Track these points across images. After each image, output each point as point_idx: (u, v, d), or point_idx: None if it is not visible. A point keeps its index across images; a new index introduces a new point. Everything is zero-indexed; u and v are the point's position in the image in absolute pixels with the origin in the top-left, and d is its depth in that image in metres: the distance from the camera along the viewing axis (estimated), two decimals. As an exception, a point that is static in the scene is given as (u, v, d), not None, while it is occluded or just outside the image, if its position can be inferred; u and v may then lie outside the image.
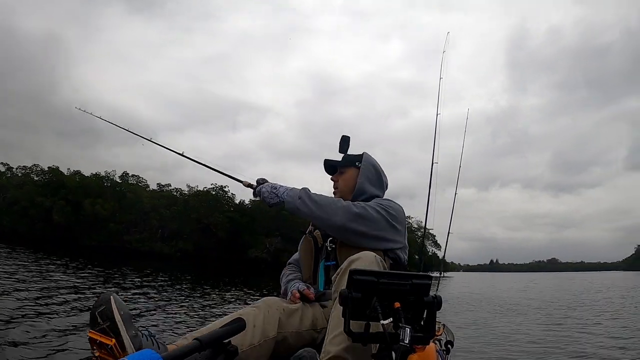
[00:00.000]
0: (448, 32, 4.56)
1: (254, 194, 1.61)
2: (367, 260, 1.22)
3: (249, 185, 1.65)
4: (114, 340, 0.88)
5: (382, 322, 0.85)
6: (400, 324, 0.84)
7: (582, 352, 4.83)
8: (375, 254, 1.27)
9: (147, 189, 44.53)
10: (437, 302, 0.92)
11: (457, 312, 9.51)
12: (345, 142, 1.75)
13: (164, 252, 35.33)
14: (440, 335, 2.16)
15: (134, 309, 5.86)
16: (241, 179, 1.71)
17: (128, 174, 44.51)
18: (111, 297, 0.93)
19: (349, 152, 1.76)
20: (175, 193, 44.37)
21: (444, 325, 2.41)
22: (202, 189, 42.83)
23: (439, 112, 3.88)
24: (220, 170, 1.81)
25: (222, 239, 38.07)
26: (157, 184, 45.88)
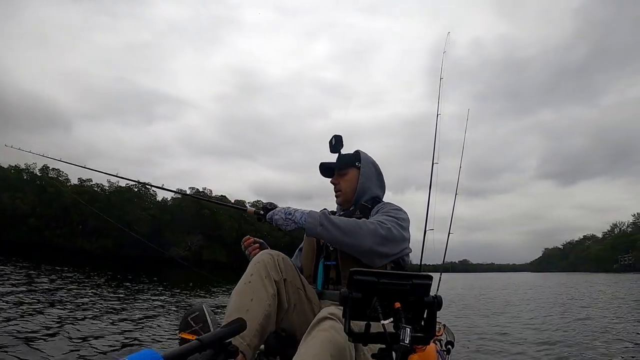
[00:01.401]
0: (449, 33, 4.56)
1: (265, 221, 1.54)
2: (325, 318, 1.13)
3: (257, 213, 1.57)
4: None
5: (382, 322, 0.85)
6: (400, 324, 0.84)
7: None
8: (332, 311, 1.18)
9: (68, 184, 42.99)
10: (437, 302, 0.92)
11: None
12: (338, 141, 1.70)
13: (85, 249, 34.51)
14: (441, 335, 2.16)
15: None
16: (246, 208, 1.65)
17: (48, 167, 42.91)
18: (203, 305, 1.12)
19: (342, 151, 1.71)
20: (96, 189, 43.07)
21: (444, 325, 2.41)
22: (123, 185, 41.98)
23: (439, 113, 3.88)
24: (225, 203, 1.76)
25: (143, 237, 37.64)
26: (79, 178, 44.49)
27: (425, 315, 0.93)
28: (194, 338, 0.93)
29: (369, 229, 1.37)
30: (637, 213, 78.36)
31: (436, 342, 1.77)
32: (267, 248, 1.63)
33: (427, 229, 3.68)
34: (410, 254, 1.60)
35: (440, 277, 4.11)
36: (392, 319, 0.86)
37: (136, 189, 41.18)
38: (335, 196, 1.73)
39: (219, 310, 5.00)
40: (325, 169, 1.74)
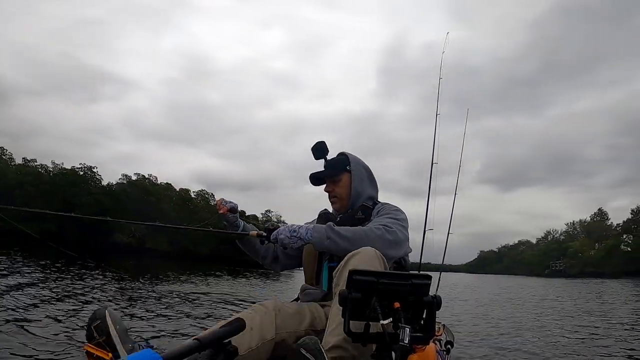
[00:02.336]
0: (448, 32, 4.56)
1: (269, 242, 1.52)
2: (366, 255, 1.22)
3: (260, 236, 1.54)
4: (110, 354, 0.89)
5: (381, 322, 0.85)
6: (400, 324, 0.85)
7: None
8: (375, 249, 1.26)
9: (13, 164, 41.03)
10: (436, 302, 0.92)
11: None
12: (322, 148, 1.68)
13: (26, 233, 33.83)
14: (440, 335, 2.16)
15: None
16: (248, 232, 1.61)
17: (-11, 145, 40.00)
18: (106, 311, 0.94)
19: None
20: (40, 169, 40.92)
21: (444, 325, 2.40)
22: (68, 167, 40.48)
23: (438, 112, 3.89)
24: (228, 231, 1.66)
25: (88, 222, 35.12)
26: (23, 158, 41.96)
27: (424, 315, 0.93)
28: (100, 352, 0.89)
29: (376, 235, 1.36)
30: (571, 222, 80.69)
31: (436, 342, 1.77)
32: (237, 209, 1.63)
33: (426, 228, 3.68)
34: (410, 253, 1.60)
35: (440, 277, 4.11)
36: (391, 319, 0.87)
37: (82, 172, 40.04)
38: (332, 202, 1.70)
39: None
40: (316, 179, 1.71)
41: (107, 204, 37.96)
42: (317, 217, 1.77)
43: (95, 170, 41.62)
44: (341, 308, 0.92)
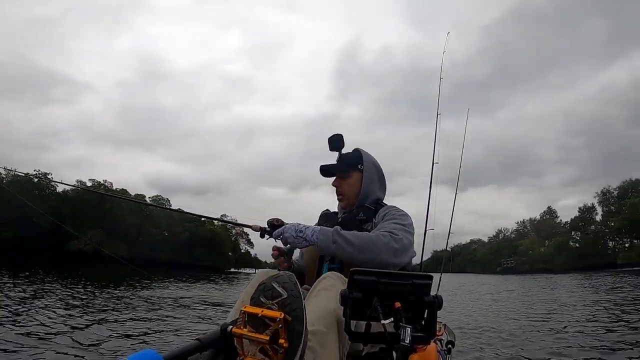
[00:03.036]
0: (448, 33, 4.55)
1: (271, 237, 1.50)
2: (331, 281, 1.18)
3: (262, 229, 1.53)
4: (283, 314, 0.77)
5: (382, 321, 0.85)
6: (401, 324, 0.84)
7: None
8: (341, 276, 1.22)
9: None
10: (437, 302, 0.92)
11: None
12: (339, 139, 1.66)
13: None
14: (442, 335, 2.15)
15: None
16: (250, 224, 1.59)
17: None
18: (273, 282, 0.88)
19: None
20: None
21: (445, 325, 2.40)
22: (22, 174, 37.90)
23: (439, 113, 3.88)
24: (229, 221, 1.67)
25: (44, 230, 34.86)
26: None
27: (425, 315, 0.93)
28: (271, 313, 0.77)
29: (382, 242, 1.34)
30: (521, 220, 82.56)
31: (437, 341, 1.77)
32: (288, 255, 1.64)
33: (427, 228, 3.67)
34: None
35: (440, 278, 4.11)
36: (392, 318, 0.86)
37: (36, 180, 38.69)
38: (338, 200, 1.68)
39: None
40: (326, 171, 1.69)
41: (62, 211, 37.15)
42: (318, 216, 1.76)
43: (50, 176, 40.26)
44: (342, 312, 0.91)
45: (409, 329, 0.83)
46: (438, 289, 3.58)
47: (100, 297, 7.96)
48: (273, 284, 0.77)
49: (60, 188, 42.26)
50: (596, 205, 59.93)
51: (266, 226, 1.52)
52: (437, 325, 1.52)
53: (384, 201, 1.71)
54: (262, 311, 0.74)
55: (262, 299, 0.76)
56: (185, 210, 4.85)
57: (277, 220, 1.51)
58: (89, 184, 43.58)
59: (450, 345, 1.84)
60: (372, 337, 0.92)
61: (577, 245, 57.85)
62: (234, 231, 61.61)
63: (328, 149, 1.69)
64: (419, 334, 0.89)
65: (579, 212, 61.60)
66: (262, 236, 1.57)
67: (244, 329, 0.75)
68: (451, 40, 4.31)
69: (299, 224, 1.44)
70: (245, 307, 0.76)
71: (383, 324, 0.85)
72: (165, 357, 0.79)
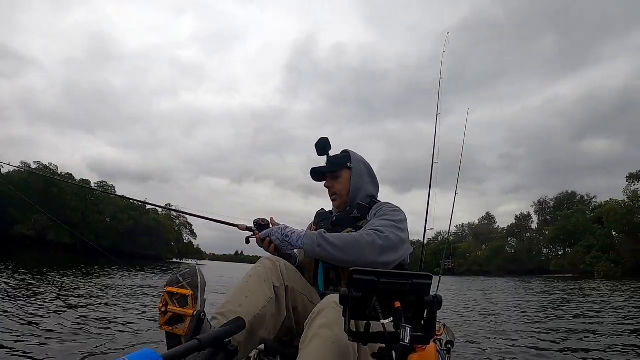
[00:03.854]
0: (448, 32, 4.56)
1: (259, 239, 1.50)
2: (328, 307, 1.14)
3: (249, 229, 1.53)
4: (191, 292, 1.02)
5: (382, 321, 0.85)
6: (400, 324, 0.84)
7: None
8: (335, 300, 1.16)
9: None
10: (437, 302, 0.91)
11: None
12: (325, 144, 1.68)
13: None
14: (441, 335, 2.16)
15: None
16: (237, 223, 1.58)
17: None
18: (197, 267, 1.08)
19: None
20: None
21: (444, 325, 2.41)
22: None
23: (438, 112, 3.88)
24: (214, 219, 1.68)
25: None
26: None
27: (425, 315, 0.92)
28: (182, 291, 1.03)
29: (366, 241, 1.33)
30: (459, 224, 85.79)
31: (436, 341, 1.77)
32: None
33: (427, 228, 3.68)
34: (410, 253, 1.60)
35: (440, 278, 4.11)
36: (392, 318, 0.86)
37: None
38: (332, 200, 1.70)
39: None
40: (317, 174, 1.71)
41: (6, 193, 34.37)
42: (314, 216, 1.77)
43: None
44: (341, 312, 0.91)
45: (409, 329, 0.82)
46: (437, 289, 3.59)
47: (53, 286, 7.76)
48: (178, 277, 1.04)
49: (4, 169, 39.43)
50: (532, 214, 63.78)
51: (252, 225, 1.52)
52: (437, 325, 1.52)
53: (378, 198, 1.71)
54: (178, 289, 1.02)
55: (179, 277, 1.04)
56: (173, 207, 4.84)
57: (264, 220, 1.51)
58: (33, 166, 41.91)
59: (449, 345, 1.85)
60: (371, 337, 0.92)
61: (513, 251, 60.79)
62: (177, 221, 61.11)
63: (317, 154, 1.70)
64: (419, 334, 0.89)
65: (515, 219, 64.89)
66: (246, 242, 1.55)
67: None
68: (451, 40, 4.32)
69: (287, 228, 1.44)
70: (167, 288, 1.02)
71: (383, 324, 0.85)
72: (164, 356, 0.79)
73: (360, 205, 1.62)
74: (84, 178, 48.32)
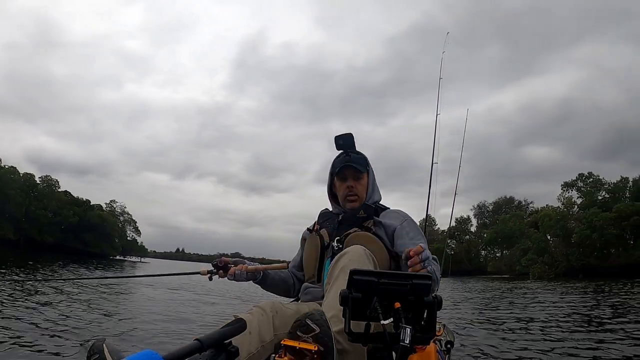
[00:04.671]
0: (448, 33, 4.57)
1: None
2: (355, 253, 1.26)
3: (210, 272, 1.72)
4: None
5: (382, 322, 0.85)
6: (400, 324, 0.85)
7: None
8: (364, 248, 1.31)
9: None
10: (437, 302, 0.92)
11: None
12: (351, 141, 1.65)
13: None
14: (441, 335, 2.16)
15: None
16: (199, 270, 1.80)
17: None
18: (104, 344, 0.90)
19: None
20: None
21: (444, 325, 2.40)
22: None
23: (438, 112, 3.89)
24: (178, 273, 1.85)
25: None
26: None
27: (425, 315, 0.93)
28: None
29: (438, 279, 1.42)
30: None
31: (436, 342, 1.77)
32: (244, 263, 1.67)
33: (426, 228, 3.68)
34: None
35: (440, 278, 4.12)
36: (392, 319, 0.87)
37: None
38: (351, 201, 1.66)
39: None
40: (346, 164, 1.63)
41: None
42: (317, 216, 1.77)
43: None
44: (342, 312, 0.92)
45: (409, 330, 0.83)
46: (437, 289, 3.59)
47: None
48: (307, 321, 0.93)
49: None
50: (472, 217, 64.72)
51: (212, 269, 1.69)
52: (437, 326, 1.52)
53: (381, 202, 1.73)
54: (299, 344, 0.89)
55: (298, 333, 0.92)
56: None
57: (221, 262, 1.67)
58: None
59: (449, 345, 1.84)
60: (372, 338, 0.92)
61: (452, 252, 61.11)
62: (122, 218, 60.06)
63: (336, 148, 1.67)
64: (419, 335, 0.89)
65: (455, 222, 64.91)
66: (210, 279, 1.73)
67: (285, 357, 0.91)
68: (451, 40, 4.33)
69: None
70: (284, 341, 0.91)
71: (383, 325, 0.85)
72: (165, 357, 0.79)
73: (367, 206, 1.63)
74: (27, 172, 45.91)
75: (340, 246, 1.52)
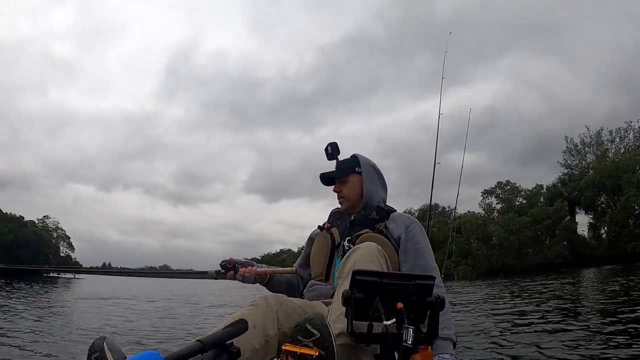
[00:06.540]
0: (450, 32, 4.57)
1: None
2: (368, 250, 1.26)
3: (218, 272, 1.66)
4: None
5: (385, 322, 0.85)
6: (403, 325, 0.84)
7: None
8: (376, 244, 1.31)
9: None
10: (440, 303, 0.91)
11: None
12: (334, 149, 1.70)
13: None
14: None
15: None
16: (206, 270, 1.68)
17: None
18: (104, 343, 0.89)
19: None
20: None
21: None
22: None
23: (440, 113, 3.89)
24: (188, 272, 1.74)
25: None
26: None
27: (428, 316, 0.92)
28: None
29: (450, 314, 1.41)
30: None
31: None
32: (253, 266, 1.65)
33: (429, 229, 3.68)
34: None
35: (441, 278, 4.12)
36: (394, 319, 0.86)
37: None
38: (340, 203, 1.71)
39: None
40: (326, 179, 1.73)
41: None
42: (328, 215, 1.78)
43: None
44: (345, 312, 0.91)
45: (412, 330, 0.82)
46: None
47: None
48: (307, 326, 0.90)
49: None
50: None
51: (221, 269, 1.62)
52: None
53: (386, 202, 1.73)
54: (300, 349, 0.88)
55: (299, 337, 0.90)
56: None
57: (229, 262, 1.61)
58: None
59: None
60: (374, 338, 0.91)
61: None
62: (55, 234, 57.33)
63: (327, 159, 1.72)
64: (422, 335, 0.89)
65: None
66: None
67: None
68: (452, 40, 4.33)
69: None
70: (285, 346, 0.90)
71: (385, 325, 0.85)
72: (167, 358, 0.79)
73: (379, 208, 1.64)
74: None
75: (351, 246, 1.51)
